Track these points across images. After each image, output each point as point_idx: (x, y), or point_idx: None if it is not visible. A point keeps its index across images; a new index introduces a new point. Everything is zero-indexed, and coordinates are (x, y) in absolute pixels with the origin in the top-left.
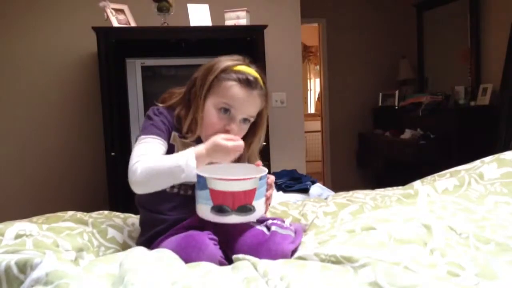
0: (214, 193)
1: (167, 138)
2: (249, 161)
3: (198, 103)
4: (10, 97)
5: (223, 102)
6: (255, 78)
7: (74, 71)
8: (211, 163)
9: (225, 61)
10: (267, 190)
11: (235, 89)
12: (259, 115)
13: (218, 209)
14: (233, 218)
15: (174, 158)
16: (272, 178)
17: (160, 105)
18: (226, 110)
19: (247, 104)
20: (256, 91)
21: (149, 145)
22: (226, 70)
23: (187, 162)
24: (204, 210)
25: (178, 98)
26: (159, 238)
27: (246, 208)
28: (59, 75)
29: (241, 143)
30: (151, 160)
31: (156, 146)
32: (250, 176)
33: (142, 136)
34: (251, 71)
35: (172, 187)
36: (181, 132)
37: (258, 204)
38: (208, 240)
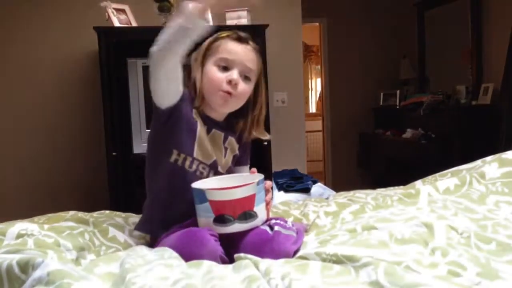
0: (214, 204)
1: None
2: (257, 134)
3: (196, 69)
4: (11, 97)
5: (220, 58)
6: (246, 35)
7: (75, 71)
8: None
9: (214, 35)
10: (265, 195)
11: (228, 44)
12: (256, 83)
13: (221, 220)
14: (237, 227)
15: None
16: (269, 183)
17: None
18: (224, 68)
19: (242, 55)
20: (249, 46)
21: None
22: (216, 38)
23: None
24: (206, 223)
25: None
26: (161, 236)
27: (248, 215)
28: (60, 75)
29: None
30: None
31: None
32: (247, 182)
33: None
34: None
35: (191, 163)
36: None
37: (259, 209)
38: (209, 236)
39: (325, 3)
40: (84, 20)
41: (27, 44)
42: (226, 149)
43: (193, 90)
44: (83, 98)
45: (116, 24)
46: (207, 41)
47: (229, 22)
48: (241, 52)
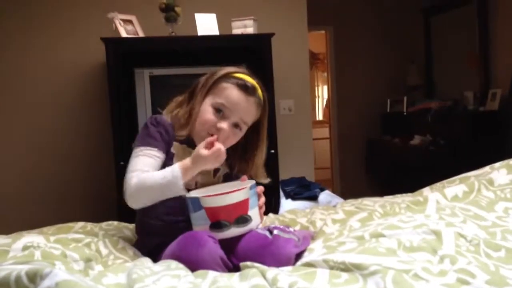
0: (210, 211)
1: (164, 147)
2: (255, 176)
3: (196, 101)
4: (20, 107)
5: (218, 102)
6: (253, 86)
7: (83, 81)
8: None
9: (228, 68)
10: (258, 199)
11: (231, 91)
12: (259, 127)
13: (217, 225)
14: (233, 231)
15: (161, 172)
16: (260, 187)
17: (164, 114)
18: (219, 111)
19: (241, 108)
20: (253, 98)
21: (145, 158)
22: (226, 75)
23: (172, 174)
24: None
25: (180, 101)
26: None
27: (244, 219)
28: (68, 85)
29: (218, 148)
30: (143, 175)
31: (151, 159)
32: (239, 188)
33: (138, 148)
34: (250, 80)
35: None
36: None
37: (253, 213)
38: (207, 237)
39: (331, 11)
40: (91, 31)
41: (36, 55)
42: (217, 170)
43: (188, 118)
44: (91, 108)
45: (124, 34)
46: (217, 75)
47: (235, 31)
48: (242, 104)
